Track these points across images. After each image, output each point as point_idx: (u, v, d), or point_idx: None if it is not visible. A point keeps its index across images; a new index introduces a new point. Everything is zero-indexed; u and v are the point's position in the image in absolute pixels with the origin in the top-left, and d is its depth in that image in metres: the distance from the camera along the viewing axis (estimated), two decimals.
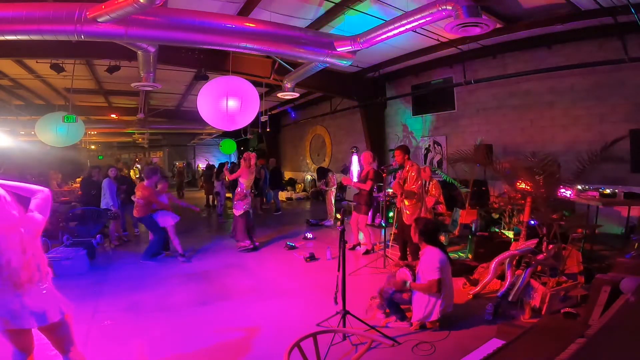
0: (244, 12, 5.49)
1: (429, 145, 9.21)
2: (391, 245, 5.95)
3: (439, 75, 8.69)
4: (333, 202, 8.50)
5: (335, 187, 8.61)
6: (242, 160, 6.29)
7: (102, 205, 6.65)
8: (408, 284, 3.30)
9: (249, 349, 3.06)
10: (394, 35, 4.46)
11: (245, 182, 6.10)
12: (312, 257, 5.60)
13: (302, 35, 4.86)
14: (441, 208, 6.56)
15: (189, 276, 4.98)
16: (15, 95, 10.44)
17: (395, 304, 3.39)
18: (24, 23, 3.61)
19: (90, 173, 7.62)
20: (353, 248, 5.96)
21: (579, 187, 5.29)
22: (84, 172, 9.46)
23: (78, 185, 11.38)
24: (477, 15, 3.62)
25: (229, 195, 11.32)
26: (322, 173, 8.97)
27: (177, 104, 12.71)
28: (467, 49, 7.23)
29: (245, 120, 5.31)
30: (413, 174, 4.97)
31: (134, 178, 12.26)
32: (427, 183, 5.98)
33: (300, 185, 14.81)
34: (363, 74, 9.31)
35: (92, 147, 19.46)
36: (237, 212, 6.13)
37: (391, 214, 7.30)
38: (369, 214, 6.33)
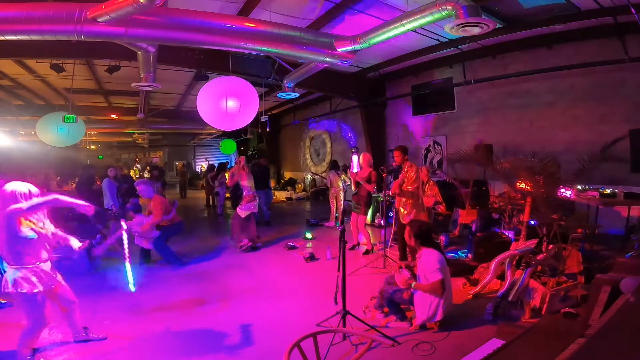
0: (244, 12, 5.49)
1: (429, 145, 9.21)
2: (391, 245, 5.95)
3: (439, 75, 8.69)
4: (334, 202, 8.19)
5: (337, 187, 8.21)
6: (235, 166, 6.36)
7: (105, 206, 6.66)
8: (413, 285, 3.29)
9: (249, 349, 3.06)
10: (394, 35, 4.46)
11: (247, 184, 6.10)
12: (312, 257, 5.60)
13: (302, 35, 4.85)
14: (441, 208, 6.56)
15: (189, 276, 4.98)
16: (15, 95, 10.44)
17: (395, 303, 3.39)
18: (24, 23, 3.61)
19: (85, 174, 7.59)
20: (353, 248, 5.96)
21: (579, 187, 5.29)
22: (79, 174, 9.37)
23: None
24: (477, 15, 3.62)
25: (228, 195, 11.31)
26: (334, 166, 8.67)
27: (177, 104, 12.70)
28: (467, 49, 7.23)
29: (244, 120, 5.31)
30: (412, 174, 4.99)
31: (134, 177, 12.26)
32: (424, 183, 5.94)
33: (300, 185, 14.81)
34: (363, 74, 9.31)
35: (92, 147, 19.46)
36: (243, 214, 6.11)
37: (391, 214, 7.30)
38: (369, 214, 6.33)
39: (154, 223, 5.23)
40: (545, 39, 6.40)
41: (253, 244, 6.22)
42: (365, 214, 5.99)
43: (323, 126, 13.61)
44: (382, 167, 5.36)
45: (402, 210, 5.04)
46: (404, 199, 5.03)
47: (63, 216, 6.59)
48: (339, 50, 4.96)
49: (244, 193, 6.16)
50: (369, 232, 6.18)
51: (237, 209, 6.22)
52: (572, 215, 5.35)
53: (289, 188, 14.62)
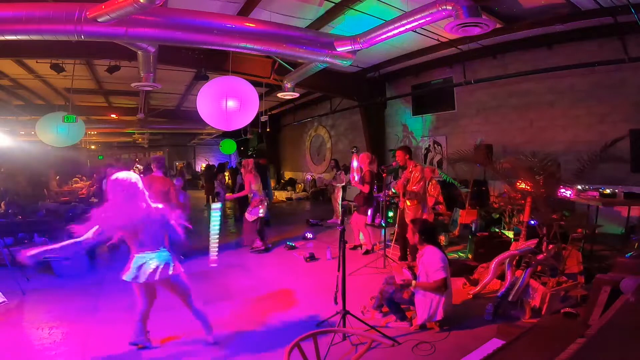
0: (244, 12, 5.49)
1: (429, 145, 9.21)
2: (392, 246, 5.95)
3: (439, 75, 8.69)
4: (339, 201, 8.19)
5: (343, 184, 8.28)
6: (242, 169, 6.28)
7: None
8: (414, 284, 3.29)
9: (249, 349, 3.06)
10: (394, 35, 4.46)
11: (255, 187, 6.06)
12: (312, 257, 5.60)
13: (302, 35, 4.86)
14: (441, 208, 6.56)
15: (188, 276, 4.90)
16: (15, 95, 10.43)
17: (395, 303, 3.39)
18: (24, 23, 3.61)
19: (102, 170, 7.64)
20: (354, 248, 5.95)
21: (579, 187, 5.29)
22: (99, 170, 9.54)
23: (79, 185, 11.41)
24: (477, 15, 3.62)
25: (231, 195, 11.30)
26: (337, 165, 8.66)
27: (177, 104, 12.70)
28: (467, 49, 7.22)
29: (244, 120, 5.30)
30: (417, 174, 4.97)
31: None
32: (427, 183, 5.90)
33: (300, 186, 14.81)
34: (363, 74, 9.31)
35: (92, 147, 19.46)
36: (251, 218, 6.05)
37: (391, 214, 7.29)
38: (369, 214, 6.31)
39: None
40: (545, 39, 6.40)
41: (265, 246, 6.18)
42: (365, 213, 5.98)
43: (323, 126, 13.61)
44: (383, 167, 5.35)
45: (407, 210, 5.03)
46: (408, 200, 5.02)
47: (61, 217, 6.60)
48: (339, 50, 4.96)
49: (252, 196, 6.11)
50: (369, 232, 6.17)
51: (246, 213, 6.18)
52: (572, 215, 5.34)
53: (289, 188, 14.62)
